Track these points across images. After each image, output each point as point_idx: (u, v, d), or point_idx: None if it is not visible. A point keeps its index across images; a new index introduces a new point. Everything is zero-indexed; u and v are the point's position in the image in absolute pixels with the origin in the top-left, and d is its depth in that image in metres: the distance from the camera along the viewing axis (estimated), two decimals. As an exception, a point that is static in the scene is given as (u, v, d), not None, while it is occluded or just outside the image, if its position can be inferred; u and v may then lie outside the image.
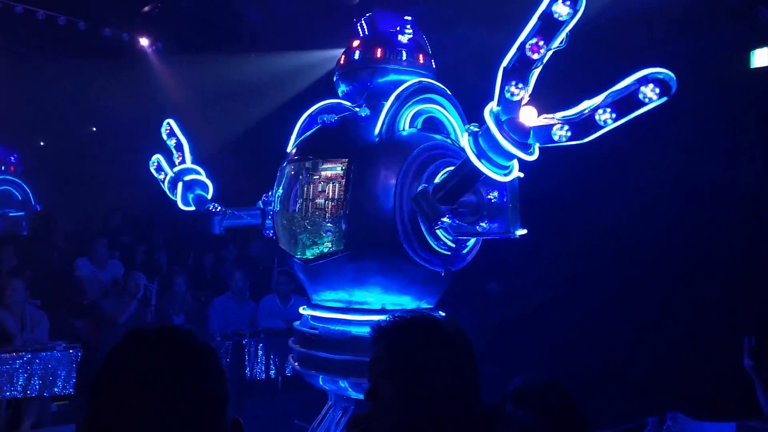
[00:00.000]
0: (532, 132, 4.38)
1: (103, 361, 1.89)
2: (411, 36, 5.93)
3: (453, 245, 5.39)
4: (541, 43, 4.08)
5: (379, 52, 5.77)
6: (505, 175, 4.61)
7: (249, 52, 10.31)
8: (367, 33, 5.91)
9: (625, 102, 4.01)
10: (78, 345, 8.55)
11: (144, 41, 11.25)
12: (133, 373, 1.82)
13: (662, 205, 8.57)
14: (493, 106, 4.36)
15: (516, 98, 4.24)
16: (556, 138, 4.26)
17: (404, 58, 5.80)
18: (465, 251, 5.57)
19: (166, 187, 6.16)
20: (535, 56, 4.11)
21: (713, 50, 8.10)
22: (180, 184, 6.07)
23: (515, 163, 4.65)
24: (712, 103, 8.30)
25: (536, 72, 4.25)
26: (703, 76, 8.02)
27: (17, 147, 11.91)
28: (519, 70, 4.19)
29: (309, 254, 5.49)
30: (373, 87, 5.73)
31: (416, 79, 5.57)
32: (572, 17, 4.00)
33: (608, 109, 4.08)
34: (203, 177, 6.21)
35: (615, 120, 4.08)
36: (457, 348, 2.44)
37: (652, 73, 3.95)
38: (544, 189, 8.64)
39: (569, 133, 4.22)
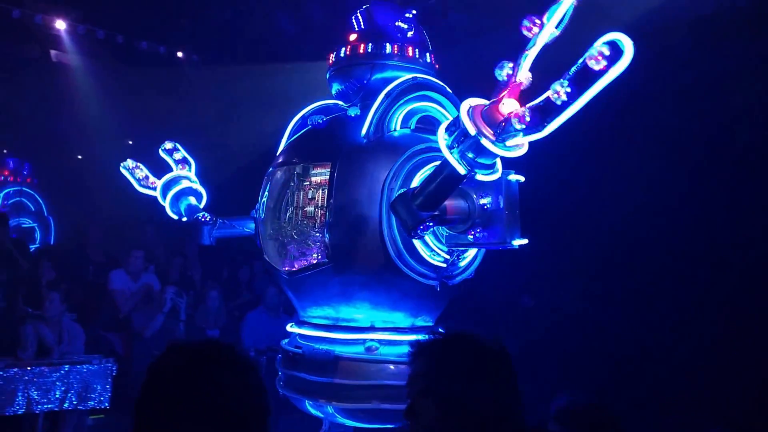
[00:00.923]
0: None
1: (147, 374, 1.94)
2: (412, 31, 5.41)
3: (448, 256, 4.83)
4: (537, 21, 3.52)
5: (376, 47, 5.26)
6: (489, 174, 4.04)
7: (284, 63, 9.99)
8: (363, 27, 5.42)
9: (581, 74, 3.39)
10: (113, 359, 8.42)
11: (180, 54, 11.13)
12: (178, 386, 1.86)
13: (714, 218, 7.73)
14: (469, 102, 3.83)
15: (504, 78, 3.68)
16: (517, 127, 3.64)
17: (404, 53, 5.29)
18: (463, 263, 4.99)
19: (159, 194, 5.82)
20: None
21: (761, 57, 7.32)
22: (170, 193, 5.70)
23: (499, 161, 4.08)
24: (760, 110, 7.50)
25: (530, 56, 3.66)
26: (750, 83, 7.28)
27: (54, 160, 12.08)
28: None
29: (297, 266, 5.02)
30: (370, 85, 5.22)
31: (410, 75, 5.05)
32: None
33: (565, 83, 3.42)
34: (197, 185, 5.83)
35: (572, 97, 3.41)
36: (499, 365, 2.35)
37: (604, 42, 3.31)
38: (583, 196, 7.98)
39: (528, 119, 3.57)
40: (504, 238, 4.44)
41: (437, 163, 4.64)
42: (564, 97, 3.41)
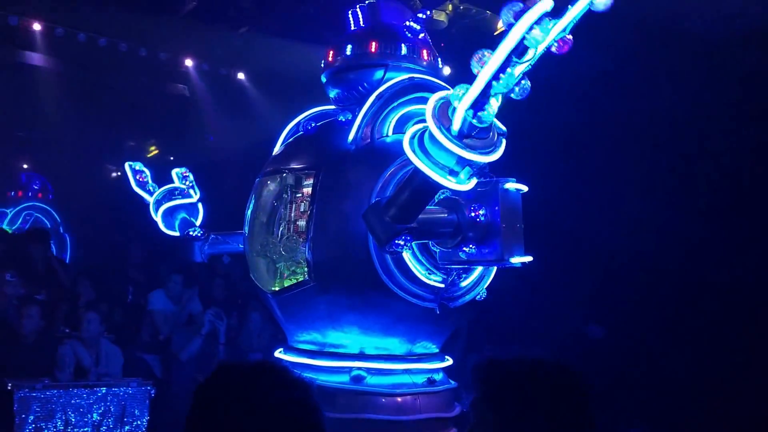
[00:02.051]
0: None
1: (195, 397, 1.83)
2: (422, 31, 4.92)
3: (446, 275, 4.29)
4: (509, 70, 3.03)
5: (390, 47, 4.76)
6: (465, 182, 3.51)
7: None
8: (364, 24, 4.96)
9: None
10: (151, 382, 8.20)
11: (224, 70, 10.98)
12: (229, 407, 1.77)
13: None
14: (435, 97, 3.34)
15: (487, 120, 3.20)
16: (515, 96, 3.20)
17: (419, 55, 4.81)
18: (465, 283, 4.43)
19: (152, 207, 5.53)
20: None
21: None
22: (162, 207, 5.40)
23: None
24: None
25: None
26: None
27: (91, 178, 12.14)
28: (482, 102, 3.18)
29: (286, 285, 4.58)
30: (375, 88, 4.70)
31: (405, 76, 4.55)
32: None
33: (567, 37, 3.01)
34: (192, 200, 5.51)
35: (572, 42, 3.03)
36: (567, 394, 2.13)
37: None
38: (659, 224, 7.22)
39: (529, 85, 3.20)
40: (501, 254, 3.91)
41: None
42: (570, 42, 3.02)
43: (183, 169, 5.80)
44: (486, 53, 2.99)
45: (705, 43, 6.66)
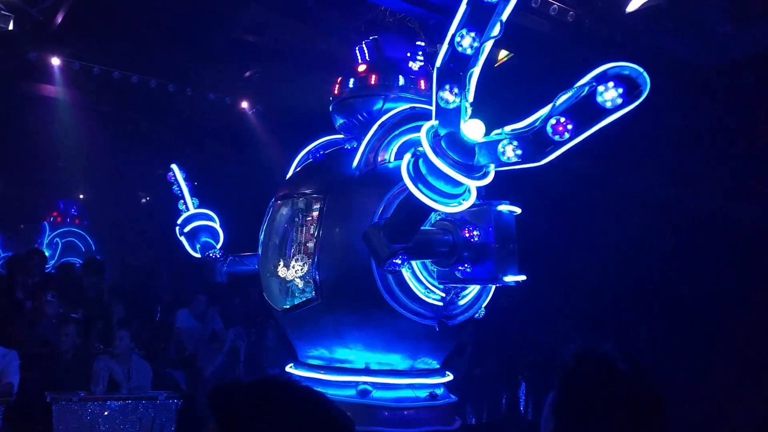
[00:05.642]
0: (477, 149, 3.27)
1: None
2: (422, 63, 4.92)
3: (444, 294, 4.25)
4: (472, 35, 3.02)
5: (388, 79, 4.77)
6: (455, 204, 3.47)
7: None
8: (369, 58, 4.97)
9: (582, 107, 2.96)
10: (178, 395, 8.20)
11: (244, 104, 11.05)
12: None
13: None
14: (431, 122, 3.33)
15: (451, 105, 3.18)
16: (504, 158, 3.18)
17: (412, 86, 4.80)
18: (464, 302, 4.38)
19: (177, 230, 5.57)
20: (469, 51, 3.06)
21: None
22: (185, 230, 5.43)
23: (473, 190, 3.49)
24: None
25: (475, 74, 3.19)
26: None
27: (124, 204, 12.21)
28: (453, 72, 3.14)
29: (296, 303, 4.55)
30: (374, 117, 4.71)
31: (407, 106, 4.55)
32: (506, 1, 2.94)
33: (562, 119, 3.00)
34: (214, 224, 5.53)
35: (573, 134, 3.01)
36: (637, 393, 1.83)
37: (612, 68, 2.83)
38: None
39: (520, 152, 3.18)
40: (495, 274, 3.86)
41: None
42: (567, 135, 3.02)
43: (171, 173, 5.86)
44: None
45: (694, 71, 6.52)
